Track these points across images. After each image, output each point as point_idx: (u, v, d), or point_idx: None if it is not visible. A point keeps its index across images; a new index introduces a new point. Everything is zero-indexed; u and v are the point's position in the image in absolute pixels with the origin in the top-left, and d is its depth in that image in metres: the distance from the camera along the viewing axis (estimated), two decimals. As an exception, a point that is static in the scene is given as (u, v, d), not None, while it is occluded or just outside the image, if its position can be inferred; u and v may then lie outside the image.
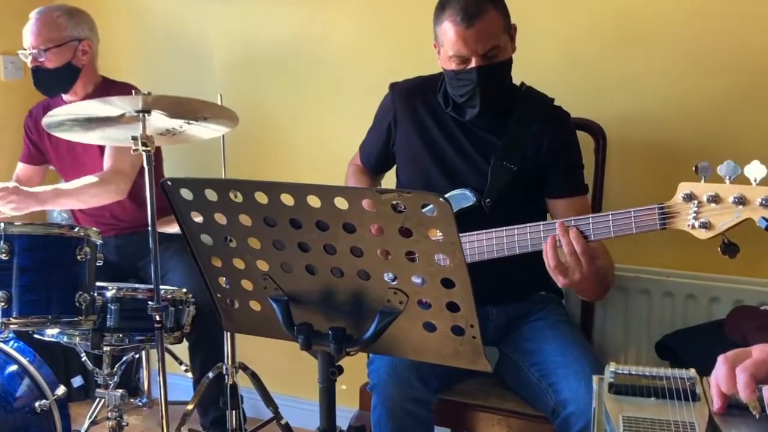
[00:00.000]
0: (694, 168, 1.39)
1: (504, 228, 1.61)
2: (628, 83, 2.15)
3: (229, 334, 2.09)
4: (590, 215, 1.52)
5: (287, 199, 1.14)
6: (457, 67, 1.71)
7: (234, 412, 2.08)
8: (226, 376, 2.09)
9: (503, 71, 1.75)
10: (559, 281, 1.52)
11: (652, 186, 2.02)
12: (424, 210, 1.06)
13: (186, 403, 2.20)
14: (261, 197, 1.16)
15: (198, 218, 1.24)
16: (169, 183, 1.21)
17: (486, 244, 1.64)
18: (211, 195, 1.19)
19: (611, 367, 1.10)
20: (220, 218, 1.22)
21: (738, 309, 1.86)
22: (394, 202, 1.07)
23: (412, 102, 1.89)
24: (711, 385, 0.99)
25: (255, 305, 1.31)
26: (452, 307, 1.15)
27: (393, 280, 1.16)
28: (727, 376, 0.95)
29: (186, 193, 1.21)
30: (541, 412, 1.69)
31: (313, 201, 1.12)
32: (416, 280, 1.14)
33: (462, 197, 1.78)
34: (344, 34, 2.54)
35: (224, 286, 1.32)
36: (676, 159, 2.07)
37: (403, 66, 2.08)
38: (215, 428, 2.30)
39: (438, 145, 1.85)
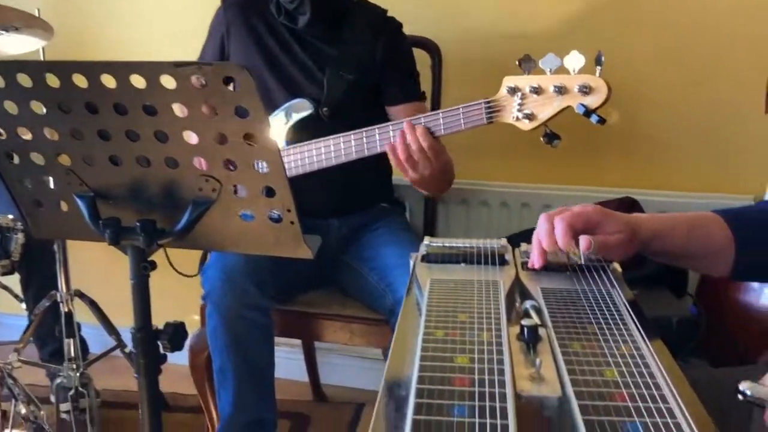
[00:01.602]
0: (517, 62, 1.40)
1: (341, 134, 1.58)
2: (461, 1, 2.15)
3: (61, 259, 1.96)
4: (421, 115, 1.52)
5: (80, 81, 1.05)
6: (285, -28, 1.66)
7: (71, 341, 1.96)
8: (60, 304, 1.97)
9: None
10: (408, 175, 1.52)
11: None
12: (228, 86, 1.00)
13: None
14: (52, 80, 1.06)
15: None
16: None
17: (324, 151, 1.61)
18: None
19: (426, 240, 1.09)
20: (10, 107, 1.11)
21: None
22: (195, 77, 1.00)
23: (245, 12, 1.83)
24: (533, 245, 1.00)
25: (63, 206, 1.22)
26: (268, 192, 1.11)
27: (204, 167, 1.10)
28: (547, 231, 0.96)
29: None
30: (380, 314, 1.69)
31: (108, 81, 1.04)
32: (227, 164, 1.08)
33: (299, 107, 1.74)
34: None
35: (28, 187, 1.21)
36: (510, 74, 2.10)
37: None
38: (54, 360, 2.17)
39: (273, 55, 1.81)
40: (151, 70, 1.01)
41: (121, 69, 1.01)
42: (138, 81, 1.02)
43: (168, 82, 1.01)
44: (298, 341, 2.29)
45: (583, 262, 0.98)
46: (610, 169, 2.09)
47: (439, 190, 1.63)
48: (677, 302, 1.48)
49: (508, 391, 0.65)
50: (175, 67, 0.99)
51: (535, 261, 0.98)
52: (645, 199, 1.91)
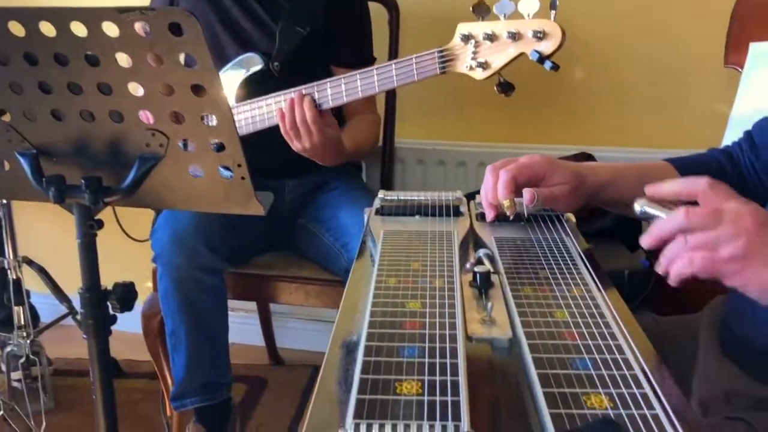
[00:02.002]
0: (471, 8, 1.38)
1: (291, 90, 1.55)
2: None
3: (7, 225, 1.91)
4: (374, 66, 1.48)
5: (17, 29, 1.00)
6: None
7: (20, 308, 1.92)
8: (8, 271, 1.92)
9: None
10: (292, 145, 1.51)
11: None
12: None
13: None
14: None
15: None
16: None
17: (275, 108, 1.57)
18: None
19: (380, 194, 1.08)
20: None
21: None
22: (139, 24, 0.97)
23: None
24: (481, 198, 1.00)
25: (6, 165, 1.17)
26: (217, 146, 1.08)
27: (150, 120, 1.07)
28: (492, 184, 0.95)
29: None
30: (336, 275, 1.68)
31: (47, 29, 0.99)
32: (174, 117, 1.05)
33: (250, 61, 1.70)
34: None
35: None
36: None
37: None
38: (4, 328, 2.12)
39: (225, 8, 1.75)
40: (93, 16, 0.97)
41: (61, 15, 0.97)
42: (79, 29, 0.98)
43: (110, 29, 0.97)
44: (254, 306, 2.27)
45: (525, 213, 0.98)
46: (567, 125, 2.09)
47: (326, 162, 1.59)
48: (630, 255, 1.49)
49: (459, 332, 0.65)
50: (118, 13, 0.96)
51: (487, 214, 0.98)
52: (601, 155, 1.92)
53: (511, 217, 0.96)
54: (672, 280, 0.69)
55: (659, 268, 0.72)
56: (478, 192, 2.04)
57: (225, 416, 1.71)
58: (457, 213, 1.03)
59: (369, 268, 0.88)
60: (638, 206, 0.75)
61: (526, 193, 0.92)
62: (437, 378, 0.57)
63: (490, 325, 0.71)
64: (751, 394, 0.79)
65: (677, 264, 0.69)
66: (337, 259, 1.65)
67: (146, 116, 1.07)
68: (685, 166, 1.03)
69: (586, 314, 0.70)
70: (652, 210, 0.76)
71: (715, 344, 0.88)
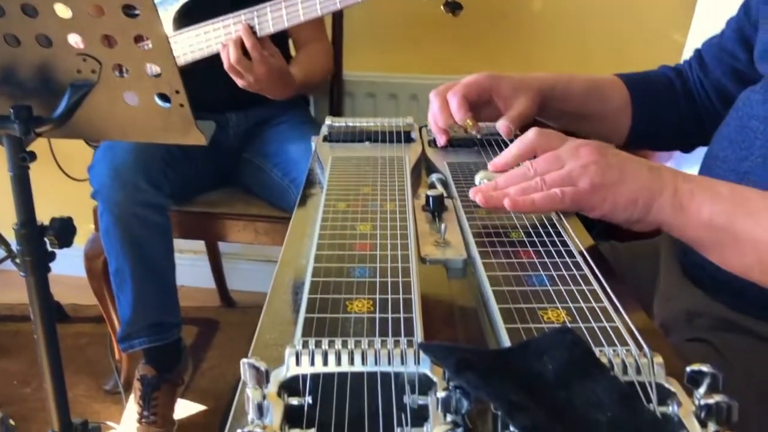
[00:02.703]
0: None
1: (231, 15, 1.47)
2: None
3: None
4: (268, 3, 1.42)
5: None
6: None
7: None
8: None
9: None
10: (239, 82, 1.46)
11: None
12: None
13: None
14: None
15: None
16: None
17: (214, 35, 1.48)
18: None
19: (327, 120, 1.04)
20: None
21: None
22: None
23: None
24: (430, 123, 0.97)
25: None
26: (153, 72, 1.02)
27: (80, 45, 1.00)
28: (441, 107, 0.92)
29: None
30: (285, 211, 1.64)
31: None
32: (106, 41, 0.99)
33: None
34: None
35: None
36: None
37: None
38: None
39: None
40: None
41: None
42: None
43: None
44: (203, 248, 2.22)
45: (480, 135, 0.96)
46: (523, 54, 2.05)
47: (275, 95, 1.54)
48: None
49: (411, 253, 0.62)
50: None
51: (438, 139, 0.95)
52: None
53: (478, 135, 0.94)
54: (523, 207, 0.67)
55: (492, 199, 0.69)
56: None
57: (175, 357, 1.68)
58: (409, 139, 0.99)
59: (317, 196, 0.84)
60: (478, 180, 0.74)
61: (502, 128, 0.90)
62: (389, 297, 0.54)
63: (444, 247, 0.69)
64: (712, 314, 0.79)
65: (540, 195, 0.67)
66: (285, 194, 1.61)
67: (76, 40, 1.00)
68: (635, 81, 1.01)
69: (543, 234, 0.68)
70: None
71: (676, 267, 0.87)
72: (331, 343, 0.46)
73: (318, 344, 0.46)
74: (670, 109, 1.01)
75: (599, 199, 0.67)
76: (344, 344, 0.46)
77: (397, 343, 0.46)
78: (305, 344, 0.46)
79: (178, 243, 1.65)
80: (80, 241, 1.31)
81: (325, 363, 0.45)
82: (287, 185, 1.61)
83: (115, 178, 1.45)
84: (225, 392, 1.86)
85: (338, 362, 0.45)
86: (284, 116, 1.75)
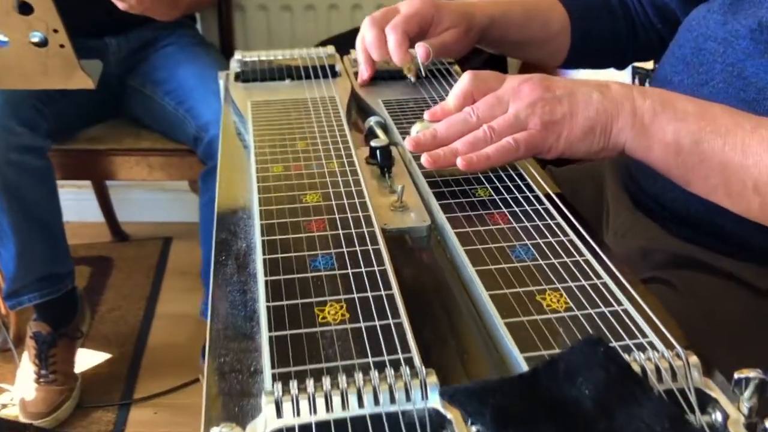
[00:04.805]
0: None
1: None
2: None
3: None
4: None
5: None
6: None
7: None
8: None
9: None
10: (120, 5, 1.29)
11: None
12: None
13: None
14: None
15: None
16: None
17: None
18: None
19: (237, 55, 0.91)
20: None
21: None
22: None
23: None
24: (357, 53, 0.86)
25: None
26: (23, 7, 0.85)
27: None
28: (377, 39, 0.81)
29: None
30: (183, 144, 1.50)
31: None
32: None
33: None
34: None
35: None
36: None
37: None
38: None
39: None
40: None
41: None
42: None
43: None
44: (87, 180, 2.03)
45: (422, 75, 0.86)
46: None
47: (161, 16, 1.39)
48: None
49: (377, 228, 0.54)
50: None
51: (363, 72, 0.84)
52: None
53: (414, 80, 0.84)
54: (478, 165, 0.60)
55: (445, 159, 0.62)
56: (337, 41, 1.89)
57: (71, 310, 1.54)
58: (334, 73, 0.88)
59: (241, 152, 0.73)
60: (415, 132, 0.66)
61: (420, 49, 0.80)
62: (366, 295, 0.46)
63: (403, 212, 0.61)
64: (669, 250, 0.75)
65: (493, 149, 0.60)
66: (182, 125, 1.46)
67: None
68: (574, 5, 0.93)
69: (511, 186, 0.61)
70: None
71: (624, 196, 0.83)
72: (317, 384, 0.37)
73: (301, 386, 0.37)
74: (608, 27, 0.94)
75: (554, 138, 0.62)
76: (333, 381, 0.37)
77: (396, 369, 0.38)
78: (283, 384, 0.37)
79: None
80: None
81: (314, 411, 0.36)
82: (183, 115, 1.45)
83: (-19, 125, 1.26)
84: (128, 336, 1.74)
85: (329, 407, 0.36)
86: (170, 38, 1.57)
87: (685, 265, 0.74)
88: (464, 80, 0.67)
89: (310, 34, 1.93)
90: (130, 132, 1.55)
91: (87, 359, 1.65)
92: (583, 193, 0.88)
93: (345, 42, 1.77)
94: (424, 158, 0.61)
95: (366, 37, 0.81)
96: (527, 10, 0.91)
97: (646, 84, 0.87)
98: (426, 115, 0.69)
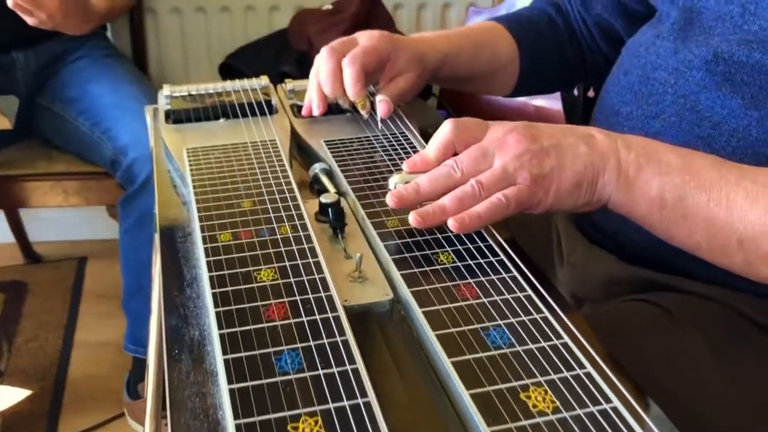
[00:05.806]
0: None
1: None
2: None
3: None
4: None
5: None
6: None
7: None
8: None
9: None
10: (29, 20, 1.21)
11: None
12: None
13: None
14: None
15: None
16: None
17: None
18: None
19: (165, 90, 0.85)
20: None
21: (299, 14, 1.72)
22: None
23: None
24: (310, 86, 0.80)
25: None
26: None
27: None
28: (333, 73, 0.76)
29: None
30: (99, 166, 1.41)
31: None
32: None
33: None
34: None
35: None
36: None
37: None
38: None
39: None
40: None
41: None
42: None
43: None
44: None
45: (380, 126, 0.81)
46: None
47: (74, 30, 1.32)
48: (424, 105, 1.38)
49: (341, 313, 0.50)
50: None
51: (316, 106, 0.80)
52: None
53: (366, 116, 0.80)
54: (470, 226, 0.58)
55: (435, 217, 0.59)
56: (252, 50, 1.81)
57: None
58: (271, 109, 0.83)
59: (179, 212, 0.67)
60: (393, 184, 0.63)
61: (381, 105, 0.76)
62: (345, 403, 0.42)
63: (363, 283, 0.57)
64: (634, 279, 0.73)
65: (484, 208, 0.58)
66: (98, 148, 1.37)
67: None
68: (519, 27, 0.91)
69: (472, 249, 0.58)
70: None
71: (579, 235, 0.81)
72: None
73: None
74: (555, 53, 0.93)
75: (543, 192, 0.59)
76: None
77: None
78: None
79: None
80: None
81: None
82: (98, 138, 1.37)
83: None
84: (47, 368, 1.65)
85: None
86: (80, 50, 1.47)
87: (658, 289, 0.72)
88: (445, 129, 0.63)
89: (226, 37, 1.85)
90: (42, 155, 1.45)
91: (6, 398, 1.55)
92: (531, 231, 0.86)
93: (261, 49, 1.71)
94: (412, 217, 0.58)
95: (321, 70, 0.76)
96: (476, 44, 0.88)
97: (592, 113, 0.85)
98: (405, 166, 0.65)
